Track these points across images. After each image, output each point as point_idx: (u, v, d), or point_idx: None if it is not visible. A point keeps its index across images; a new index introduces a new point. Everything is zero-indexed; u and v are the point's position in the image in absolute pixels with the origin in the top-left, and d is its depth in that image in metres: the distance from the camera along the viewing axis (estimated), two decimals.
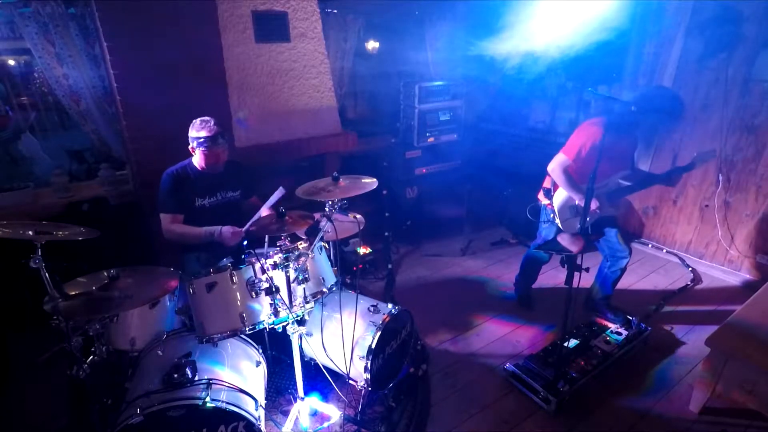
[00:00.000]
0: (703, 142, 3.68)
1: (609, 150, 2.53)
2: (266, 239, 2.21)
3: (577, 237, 2.23)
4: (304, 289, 2.02)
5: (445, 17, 4.58)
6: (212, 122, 2.39)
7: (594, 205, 2.69)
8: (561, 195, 2.80)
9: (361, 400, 2.35)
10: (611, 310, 3.10)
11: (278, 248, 1.94)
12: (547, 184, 2.91)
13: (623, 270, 2.99)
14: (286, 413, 2.26)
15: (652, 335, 2.87)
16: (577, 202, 2.78)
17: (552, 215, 2.87)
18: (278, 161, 3.63)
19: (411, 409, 2.41)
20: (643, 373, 2.68)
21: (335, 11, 4.05)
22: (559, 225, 2.86)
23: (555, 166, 2.73)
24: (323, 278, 2.15)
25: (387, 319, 2.28)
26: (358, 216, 2.55)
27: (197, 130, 2.37)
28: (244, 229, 2.38)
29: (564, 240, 2.23)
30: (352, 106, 4.94)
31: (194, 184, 2.48)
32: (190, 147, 2.42)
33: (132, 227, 3.13)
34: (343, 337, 2.22)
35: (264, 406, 2.02)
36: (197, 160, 2.46)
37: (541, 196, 2.95)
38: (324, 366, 2.28)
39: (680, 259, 4.00)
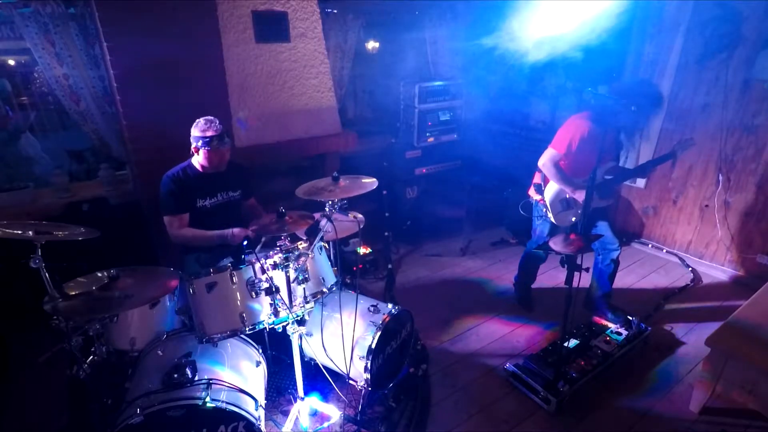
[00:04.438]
0: (704, 142, 3.68)
1: (597, 142, 2.58)
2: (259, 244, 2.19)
3: (568, 240, 2.26)
4: (304, 289, 2.02)
5: (445, 17, 4.58)
6: (217, 122, 2.39)
7: (581, 197, 2.72)
8: (552, 189, 2.84)
9: (361, 400, 2.35)
10: (611, 310, 3.10)
11: (278, 248, 1.94)
12: (537, 180, 2.94)
13: (616, 262, 3.00)
14: (286, 413, 2.26)
15: (652, 335, 2.87)
16: (568, 195, 2.81)
17: (544, 210, 2.90)
18: (278, 161, 3.64)
19: (411, 409, 2.41)
20: (643, 373, 2.68)
21: (335, 11, 4.05)
22: (552, 219, 2.88)
23: (546, 161, 2.78)
24: (323, 278, 2.15)
25: (387, 319, 2.28)
26: (359, 216, 2.55)
27: (202, 130, 2.35)
28: (251, 229, 2.36)
29: (556, 244, 2.25)
30: (352, 106, 4.94)
31: (195, 185, 2.48)
32: (193, 147, 2.41)
33: (132, 227, 3.13)
34: (343, 337, 2.22)
35: (264, 406, 2.02)
36: (200, 159, 2.44)
37: (532, 192, 2.98)
38: (324, 366, 2.28)
39: (680, 259, 4.00)
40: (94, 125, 3.34)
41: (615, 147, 2.92)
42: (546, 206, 2.88)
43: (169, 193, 2.43)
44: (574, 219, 2.92)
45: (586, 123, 2.69)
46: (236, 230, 2.41)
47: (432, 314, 3.24)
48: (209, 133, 2.35)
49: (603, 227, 2.92)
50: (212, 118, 2.40)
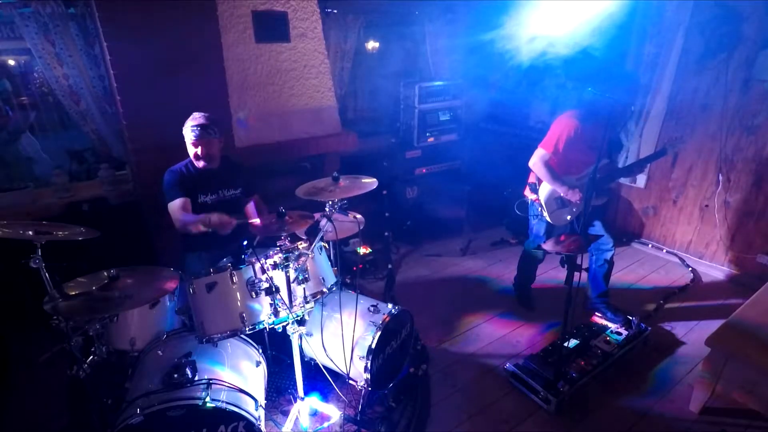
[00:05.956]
0: (704, 142, 3.68)
1: (588, 140, 2.57)
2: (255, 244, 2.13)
3: (558, 240, 2.27)
4: (304, 289, 2.02)
5: (445, 17, 4.58)
6: (205, 115, 2.41)
7: (577, 196, 2.72)
8: (546, 188, 2.86)
9: (361, 400, 2.35)
10: (611, 310, 3.10)
11: (278, 248, 1.94)
12: (532, 179, 2.95)
13: (610, 263, 3.00)
14: (286, 413, 2.26)
15: (652, 335, 2.87)
16: (561, 194, 2.81)
17: (540, 209, 2.90)
18: (278, 161, 3.63)
19: (411, 409, 2.41)
20: (643, 373, 2.68)
21: (335, 11, 4.05)
22: (548, 218, 2.88)
23: (536, 161, 2.79)
24: (323, 278, 2.15)
25: (387, 319, 2.28)
26: (358, 216, 2.55)
27: (189, 120, 2.40)
28: (235, 221, 2.28)
29: (549, 246, 2.26)
30: (352, 106, 4.94)
31: (196, 181, 2.48)
32: (186, 141, 2.42)
33: (132, 227, 3.13)
34: (343, 337, 2.22)
35: (264, 406, 2.02)
36: (189, 152, 2.45)
37: (527, 191, 2.99)
38: (324, 366, 2.28)
39: (680, 259, 4.00)
40: (94, 125, 3.34)
41: (609, 145, 2.91)
42: (541, 205, 2.88)
43: (172, 182, 2.43)
44: (569, 217, 2.92)
45: (572, 121, 2.68)
46: (213, 215, 2.24)
47: (432, 314, 3.24)
48: (191, 123, 2.37)
49: (598, 227, 2.92)
50: (200, 113, 2.43)
